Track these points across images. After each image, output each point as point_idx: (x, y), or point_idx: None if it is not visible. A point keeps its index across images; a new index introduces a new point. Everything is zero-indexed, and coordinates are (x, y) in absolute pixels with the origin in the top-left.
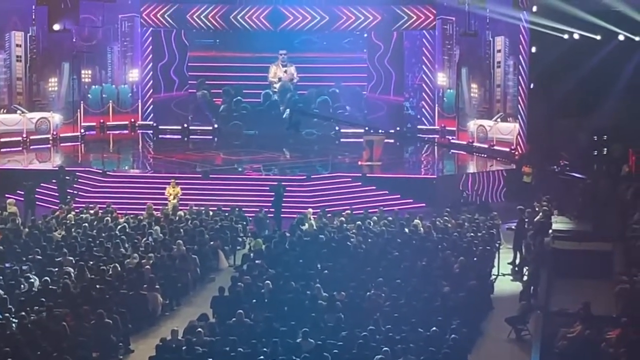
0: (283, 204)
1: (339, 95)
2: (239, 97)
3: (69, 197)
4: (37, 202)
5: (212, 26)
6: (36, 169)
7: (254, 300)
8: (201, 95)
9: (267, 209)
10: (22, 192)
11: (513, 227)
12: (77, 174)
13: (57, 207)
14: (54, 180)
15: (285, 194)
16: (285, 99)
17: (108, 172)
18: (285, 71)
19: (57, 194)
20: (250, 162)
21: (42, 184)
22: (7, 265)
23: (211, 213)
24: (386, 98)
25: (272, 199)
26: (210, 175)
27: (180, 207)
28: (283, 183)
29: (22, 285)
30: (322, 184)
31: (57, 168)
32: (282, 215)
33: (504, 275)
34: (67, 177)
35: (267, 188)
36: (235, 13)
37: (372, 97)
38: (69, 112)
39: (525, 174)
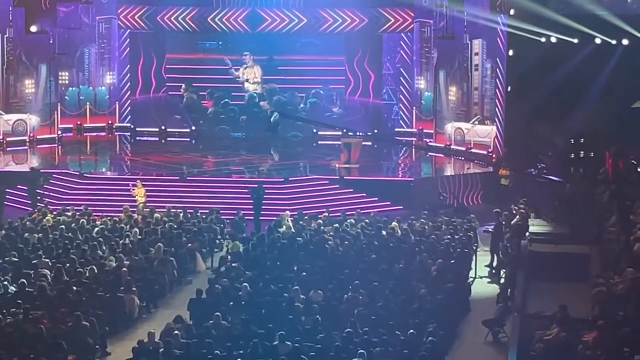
0: (262, 207)
1: (323, 97)
2: (226, 100)
3: (39, 197)
4: (8, 204)
5: (189, 28)
6: (8, 171)
7: (231, 303)
8: (188, 97)
9: (244, 212)
10: None
11: (490, 229)
12: (54, 175)
13: (28, 209)
14: (23, 186)
15: (264, 196)
16: (272, 101)
17: (85, 174)
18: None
19: (27, 196)
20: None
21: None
22: None
23: (189, 215)
24: (365, 100)
25: (250, 201)
26: (188, 178)
27: (157, 210)
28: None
29: None
30: (299, 187)
31: (29, 170)
32: (260, 218)
33: (481, 277)
34: (40, 179)
35: (246, 190)
36: (213, 15)
37: (350, 100)
38: (46, 114)
39: (502, 177)
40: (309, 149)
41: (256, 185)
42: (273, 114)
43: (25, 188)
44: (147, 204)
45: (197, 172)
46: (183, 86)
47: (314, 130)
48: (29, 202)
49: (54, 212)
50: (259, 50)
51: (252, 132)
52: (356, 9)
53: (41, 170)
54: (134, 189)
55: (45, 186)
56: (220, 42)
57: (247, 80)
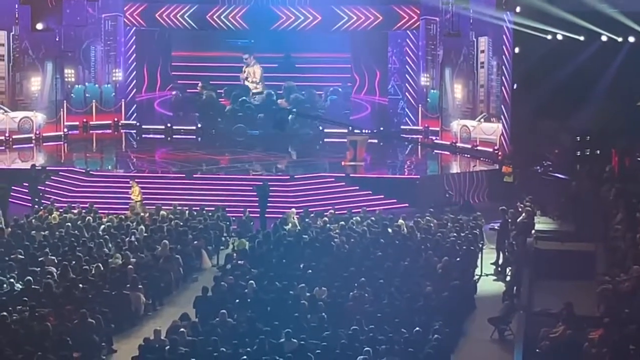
0: (268, 204)
1: (341, 95)
2: (244, 98)
3: (40, 194)
4: (14, 202)
5: (195, 26)
6: (11, 169)
7: (237, 300)
8: (207, 95)
9: (251, 210)
10: None
11: (496, 227)
12: (60, 173)
13: (31, 207)
14: (25, 183)
15: (269, 193)
16: (290, 99)
17: (91, 172)
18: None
19: (28, 193)
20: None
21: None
22: None
23: (195, 213)
24: (370, 98)
25: (256, 199)
26: (194, 175)
27: (163, 207)
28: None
29: (4, 285)
30: (305, 184)
31: (30, 167)
32: (266, 216)
33: (487, 275)
34: (41, 176)
35: (251, 188)
36: (219, 13)
37: (356, 98)
38: (52, 111)
39: (506, 174)
40: (324, 146)
41: (261, 183)
42: (290, 112)
43: (27, 185)
44: (150, 202)
45: (215, 169)
46: (200, 84)
47: (320, 128)
48: (31, 199)
49: (60, 210)
50: (265, 47)
51: (270, 130)
52: (362, 7)
53: (42, 168)
54: (133, 188)
55: (46, 182)
56: (252, 40)
57: (246, 79)
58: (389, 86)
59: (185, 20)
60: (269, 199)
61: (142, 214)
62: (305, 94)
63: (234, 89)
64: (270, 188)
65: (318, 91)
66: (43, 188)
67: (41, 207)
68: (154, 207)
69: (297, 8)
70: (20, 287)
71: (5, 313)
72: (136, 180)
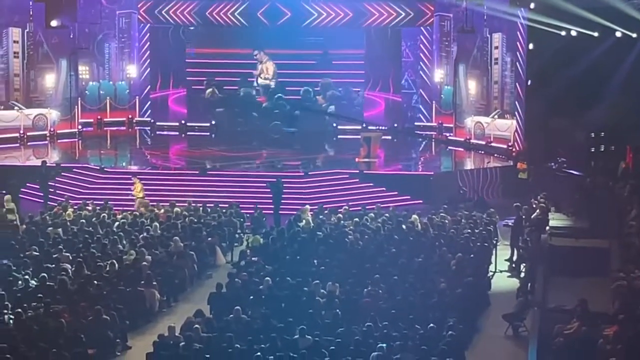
0: (281, 201)
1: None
2: (280, 94)
3: (51, 190)
4: (28, 198)
5: (208, 22)
6: (23, 166)
7: (251, 297)
8: (244, 92)
9: (264, 207)
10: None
11: (510, 223)
12: (74, 170)
13: (42, 203)
14: (37, 180)
15: (283, 190)
16: (326, 96)
17: (105, 169)
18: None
19: (39, 190)
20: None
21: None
22: (3, 261)
23: (209, 209)
24: (384, 95)
25: (269, 195)
26: (208, 172)
27: (177, 204)
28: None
29: (19, 282)
30: (319, 181)
31: (40, 163)
32: (280, 212)
33: (501, 272)
34: (51, 172)
35: (264, 185)
36: (233, 9)
37: (370, 94)
38: (67, 108)
39: (521, 170)
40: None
41: (275, 180)
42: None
43: (38, 182)
44: (164, 199)
45: (257, 165)
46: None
47: (334, 125)
48: (42, 195)
49: (75, 207)
50: (279, 44)
51: (306, 127)
52: (375, 3)
53: (57, 165)
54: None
55: (57, 179)
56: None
57: (259, 76)
58: (402, 80)
59: (199, 17)
60: (282, 196)
61: (143, 210)
62: (342, 90)
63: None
64: (285, 185)
65: (355, 88)
66: (53, 184)
67: (56, 204)
68: (169, 203)
69: (310, 5)
70: (35, 283)
71: (20, 309)
72: (151, 176)
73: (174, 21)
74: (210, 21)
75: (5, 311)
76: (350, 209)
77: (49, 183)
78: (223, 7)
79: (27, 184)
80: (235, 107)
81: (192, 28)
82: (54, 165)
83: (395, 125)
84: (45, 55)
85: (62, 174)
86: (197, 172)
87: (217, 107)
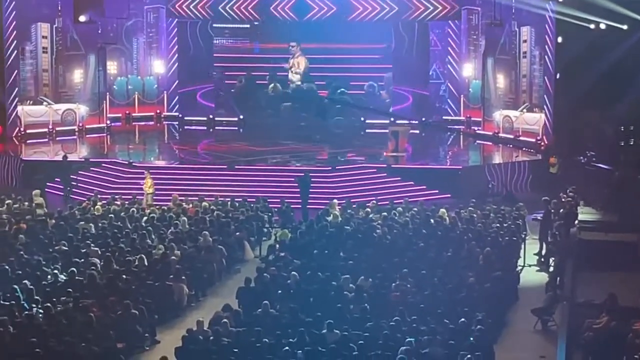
0: (309, 195)
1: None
2: (343, 89)
3: (73, 183)
4: (50, 192)
5: (237, 17)
6: (49, 161)
7: (280, 291)
8: (307, 87)
9: (292, 201)
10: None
11: (539, 217)
12: (103, 165)
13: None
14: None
15: (311, 184)
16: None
17: (134, 164)
18: (292, 62)
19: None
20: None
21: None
22: (33, 256)
23: (237, 204)
24: (411, 89)
25: (297, 190)
26: (236, 167)
27: (205, 199)
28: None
29: (48, 276)
30: (347, 175)
31: (62, 158)
32: (308, 207)
33: (529, 266)
34: (72, 166)
35: (293, 179)
36: (261, 4)
37: (397, 88)
38: (95, 103)
39: (552, 165)
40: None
41: (302, 174)
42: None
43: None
44: (193, 193)
45: (316, 162)
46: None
47: (362, 119)
48: (63, 190)
49: (104, 201)
50: (306, 38)
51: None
52: None
53: (86, 160)
54: (147, 179)
55: (81, 173)
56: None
57: (290, 69)
58: (430, 71)
59: (227, 12)
60: (310, 190)
61: (150, 206)
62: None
63: (334, 80)
64: (313, 179)
65: (380, 82)
66: (75, 177)
67: (84, 199)
68: (197, 198)
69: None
70: (64, 278)
71: (49, 304)
72: (179, 171)
73: (202, 16)
74: (240, 16)
75: (35, 305)
76: (379, 203)
77: (71, 177)
78: (252, 2)
79: (56, 179)
80: (298, 102)
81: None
82: (77, 160)
83: (423, 119)
84: (73, 51)
85: (91, 168)
86: (225, 166)
87: (282, 102)
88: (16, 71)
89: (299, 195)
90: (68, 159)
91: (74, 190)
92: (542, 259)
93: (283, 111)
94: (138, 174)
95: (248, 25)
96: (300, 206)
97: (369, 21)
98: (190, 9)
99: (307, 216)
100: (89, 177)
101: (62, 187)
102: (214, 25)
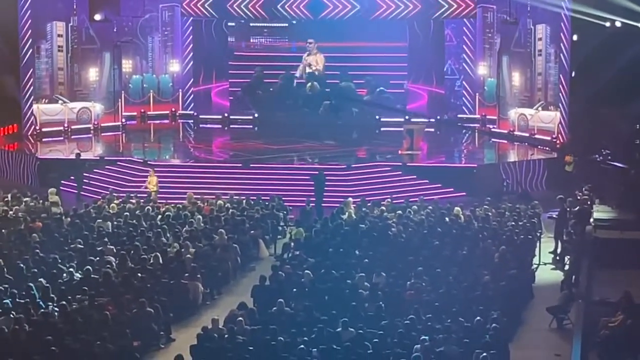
0: (324, 193)
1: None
2: (382, 88)
3: (85, 181)
4: (64, 190)
5: (252, 16)
6: (64, 159)
7: (295, 289)
8: (345, 86)
9: (307, 199)
10: None
11: (554, 216)
12: (118, 163)
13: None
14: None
15: (326, 182)
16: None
17: (149, 162)
18: (309, 60)
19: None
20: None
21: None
22: (49, 254)
23: (252, 202)
24: (427, 88)
25: (312, 188)
26: (251, 165)
27: (221, 197)
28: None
29: (63, 274)
30: (362, 174)
31: (75, 156)
32: (323, 205)
33: (545, 264)
34: (85, 164)
35: (308, 177)
36: (276, 2)
37: (412, 87)
38: (110, 101)
39: (567, 163)
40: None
41: (317, 172)
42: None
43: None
44: (208, 192)
45: (355, 160)
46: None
47: (377, 117)
48: (76, 187)
49: (119, 199)
50: (321, 36)
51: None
52: None
53: (101, 158)
54: (150, 177)
55: (100, 171)
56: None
57: (308, 66)
58: (445, 67)
59: (242, 10)
60: (325, 188)
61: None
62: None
63: (373, 79)
64: (329, 178)
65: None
66: (89, 175)
67: (97, 197)
68: (213, 196)
69: None
70: (80, 276)
71: (64, 302)
72: (194, 170)
73: (217, 14)
74: (254, 14)
75: (50, 304)
76: (393, 201)
77: (84, 174)
78: (267, 1)
79: (71, 177)
80: (336, 100)
81: (234, 20)
82: (90, 158)
83: (438, 117)
84: (89, 49)
85: (106, 167)
86: (240, 164)
87: (323, 100)
88: (32, 70)
89: (313, 193)
90: (81, 157)
91: (89, 188)
92: (558, 257)
93: (322, 110)
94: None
95: (286, 25)
96: (314, 204)
97: (384, 19)
98: (205, 8)
99: (321, 214)
100: (104, 176)
101: (75, 185)
102: (252, 24)
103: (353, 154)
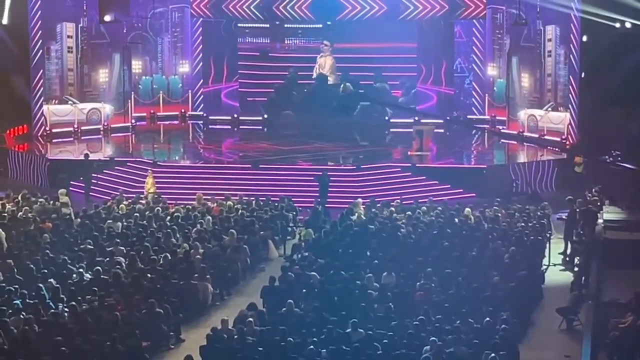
0: (330, 194)
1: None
2: (415, 90)
3: (93, 182)
4: (74, 191)
5: (261, 16)
6: (73, 160)
7: (304, 290)
8: (380, 87)
9: (316, 200)
10: None
11: (564, 217)
12: (128, 164)
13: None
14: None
15: (330, 183)
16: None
17: (159, 163)
18: (320, 60)
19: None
20: None
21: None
22: (59, 255)
23: (261, 203)
24: (436, 89)
25: (317, 188)
26: (260, 166)
27: (230, 197)
28: (328, 173)
29: (73, 275)
30: (371, 174)
31: (83, 157)
32: (330, 205)
33: (554, 265)
34: (93, 165)
35: (313, 178)
36: (284, 3)
37: (422, 88)
38: (120, 102)
39: (577, 164)
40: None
41: (321, 173)
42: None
43: (81, 175)
44: (218, 192)
45: (393, 160)
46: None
47: (386, 118)
48: (84, 188)
49: (129, 200)
50: (330, 37)
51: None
52: None
53: (110, 159)
54: (149, 179)
55: (110, 172)
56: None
57: (319, 67)
58: (455, 64)
59: (252, 11)
60: (329, 189)
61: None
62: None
63: (407, 80)
64: (338, 178)
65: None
66: (97, 175)
67: (107, 198)
68: (222, 197)
69: None
70: (90, 277)
71: (74, 303)
72: (204, 170)
73: (227, 15)
74: (264, 15)
75: (60, 304)
76: (403, 202)
77: (92, 175)
78: (276, 2)
79: (80, 178)
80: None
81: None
82: (98, 159)
83: (448, 118)
84: (98, 50)
85: (116, 168)
86: (249, 165)
87: (362, 101)
88: (41, 71)
89: (318, 194)
90: (89, 158)
91: (99, 188)
92: (567, 258)
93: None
94: (163, 173)
95: (320, 25)
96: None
97: (394, 21)
98: (215, 9)
99: (327, 215)
100: (114, 176)
101: (83, 185)
102: (286, 25)
103: (388, 154)
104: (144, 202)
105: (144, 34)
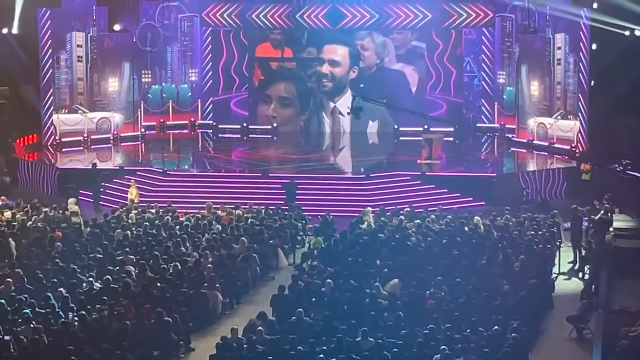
0: (340, 202)
1: None
2: None
3: (101, 190)
4: (83, 200)
5: (271, 26)
6: (83, 169)
7: (314, 299)
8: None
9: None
10: None
11: (567, 226)
12: (138, 173)
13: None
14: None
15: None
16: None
17: (169, 172)
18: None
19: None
20: None
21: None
22: (69, 264)
23: (271, 212)
24: (446, 97)
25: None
26: (269, 175)
27: (240, 206)
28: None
29: (83, 284)
30: (381, 183)
31: (91, 166)
32: (340, 214)
33: (565, 274)
34: (100, 174)
35: (326, 187)
36: (294, 12)
37: (431, 96)
38: (130, 112)
39: (584, 172)
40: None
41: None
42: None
43: (89, 185)
44: (227, 201)
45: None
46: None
47: (395, 127)
48: (93, 197)
49: (138, 209)
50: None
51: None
52: (437, 5)
53: (120, 168)
54: (132, 189)
55: (117, 181)
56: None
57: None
58: (464, 62)
59: (261, 20)
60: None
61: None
62: None
63: None
64: (347, 187)
65: None
66: (105, 184)
67: (117, 207)
68: (233, 206)
69: (372, 7)
70: (100, 286)
71: (84, 312)
72: (213, 179)
73: (237, 24)
74: (274, 24)
75: (71, 313)
76: (413, 211)
77: (101, 184)
78: (285, 11)
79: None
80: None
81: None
82: (106, 168)
83: (457, 126)
84: (108, 60)
85: (126, 177)
86: (259, 174)
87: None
88: (52, 80)
89: (331, 202)
90: (97, 167)
91: (108, 198)
92: (577, 267)
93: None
94: (173, 183)
95: None
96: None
97: (403, 29)
98: (225, 18)
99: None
100: (124, 186)
101: (92, 195)
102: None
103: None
104: (153, 211)
105: (153, 43)
